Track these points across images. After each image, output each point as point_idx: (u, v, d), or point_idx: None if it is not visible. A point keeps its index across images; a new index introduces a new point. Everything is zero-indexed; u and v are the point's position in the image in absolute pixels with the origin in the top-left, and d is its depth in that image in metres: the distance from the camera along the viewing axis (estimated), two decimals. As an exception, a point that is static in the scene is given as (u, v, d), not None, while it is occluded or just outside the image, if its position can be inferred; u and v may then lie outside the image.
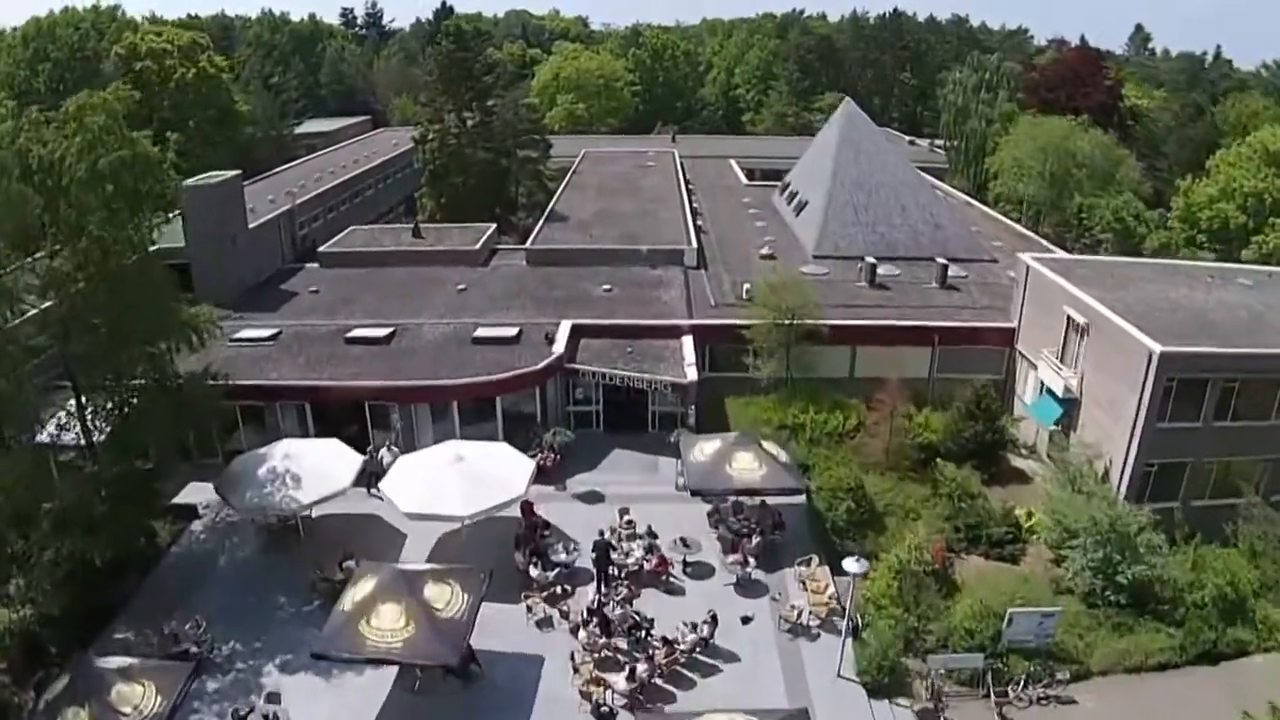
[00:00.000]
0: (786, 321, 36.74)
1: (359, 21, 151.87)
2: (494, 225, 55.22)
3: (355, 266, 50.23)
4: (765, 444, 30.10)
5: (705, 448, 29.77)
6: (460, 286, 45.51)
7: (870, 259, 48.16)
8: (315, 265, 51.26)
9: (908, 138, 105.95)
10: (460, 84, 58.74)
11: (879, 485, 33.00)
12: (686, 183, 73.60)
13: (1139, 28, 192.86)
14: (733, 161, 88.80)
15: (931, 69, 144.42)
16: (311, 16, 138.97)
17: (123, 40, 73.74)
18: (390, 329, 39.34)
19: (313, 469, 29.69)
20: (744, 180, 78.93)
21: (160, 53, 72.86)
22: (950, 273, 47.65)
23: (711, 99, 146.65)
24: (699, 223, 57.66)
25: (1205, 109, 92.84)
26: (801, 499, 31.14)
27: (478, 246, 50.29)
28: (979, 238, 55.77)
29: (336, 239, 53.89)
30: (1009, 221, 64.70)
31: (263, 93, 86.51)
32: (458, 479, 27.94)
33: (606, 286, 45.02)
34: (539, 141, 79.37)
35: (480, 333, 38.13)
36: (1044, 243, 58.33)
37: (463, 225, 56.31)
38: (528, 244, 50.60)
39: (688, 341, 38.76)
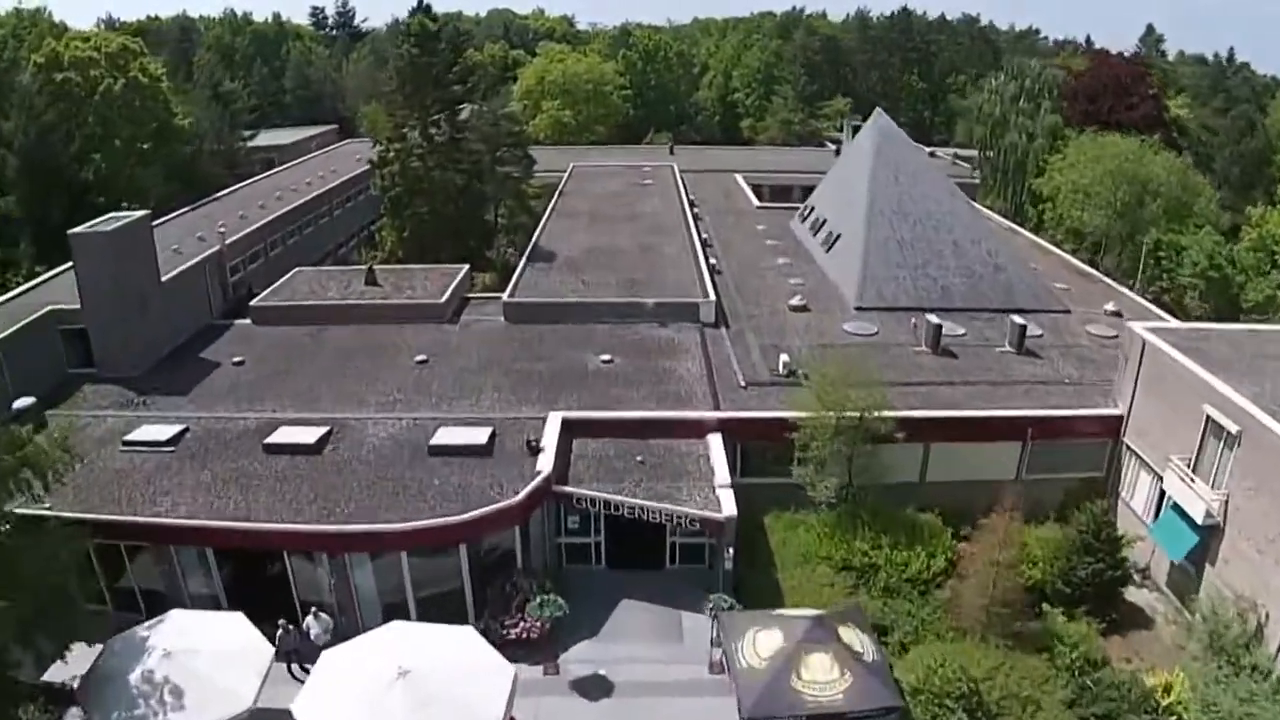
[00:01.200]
0: (853, 422, 27.55)
1: (329, 21, 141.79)
2: (465, 267, 45.91)
3: (294, 322, 40.95)
4: (844, 630, 20.95)
5: (760, 645, 20.67)
6: (420, 357, 36.18)
7: (931, 318, 39.03)
8: (248, 321, 41.88)
9: (927, 149, 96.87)
10: (425, 93, 49.32)
11: (984, 663, 23.90)
12: (691, 204, 64.50)
13: (1150, 28, 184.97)
14: (739, 177, 79.81)
15: (941, 71, 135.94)
16: (276, 16, 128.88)
17: (43, 48, 63.99)
18: (324, 429, 30.05)
19: (205, 675, 20.62)
20: (754, 200, 69.87)
21: (85, 61, 63.16)
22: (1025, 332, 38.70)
23: (707, 104, 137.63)
24: (712, 260, 48.43)
25: (1256, 122, 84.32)
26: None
27: (444, 298, 40.99)
28: (1044, 280, 46.79)
29: (276, 286, 44.49)
30: (1063, 254, 55.89)
31: (209, 102, 76.66)
32: (404, 708, 18.73)
33: (605, 357, 35.81)
34: (521, 157, 70.05)
35: (441, 438, 28.86)
36: (1111, 283, 49.73)
37: (428, 267, 47.00)
38: (506, 294, 41.22)
39: (715, 443, 29.64)
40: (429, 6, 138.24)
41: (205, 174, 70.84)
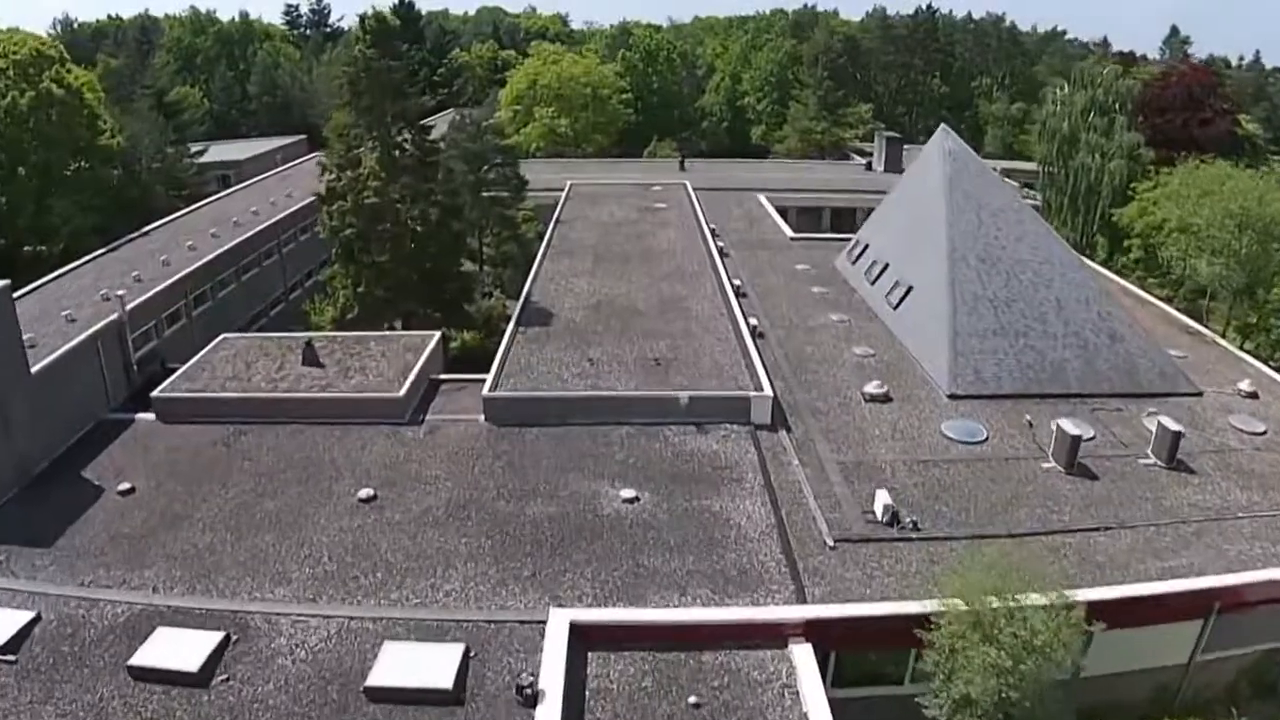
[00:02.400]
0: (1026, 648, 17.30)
1: (304, 20, 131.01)
2: (436, 336, 35.42)
3: (208, 419, 30.67)
4: None
5: None
6: (365, 492, 25.73)
7: (1065, 424, 28.82)
8: (152, 416, 31.52)
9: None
10: (383, 105, 38.84)
11: None
12: (713, 234, 54.26)
13: (1174, 30, 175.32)
14: (761, 198, 69.65)
15: (966, 75, 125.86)
16: (243, 15, 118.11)
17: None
18: (217, 636, 19.75)
19: None
20: (786, 229, 59.45)
21: (-13, 68, 52.75)
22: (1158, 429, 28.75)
23: (714, 109, 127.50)
24: (752, 320, 38.08)
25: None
26: None
27: (403, 390, 30.57)
28: (1165, 350, 36.63)
29: (189, 367, 34.05)
30: (1158, 302, 45.92)
31: (151, 114, 66.08)
32: None
33: (628, 493, 25.41)
34: (511, 177, 59.65)
35: (385, 671, 18.53)
36: (1225, 344, 40.02)
37: (387, 335, 36.53)
38: (488, 386, 30.69)
39: (802, 658, 19.31)
40: (411, 3, 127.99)
41: (142, 199, 60.44)
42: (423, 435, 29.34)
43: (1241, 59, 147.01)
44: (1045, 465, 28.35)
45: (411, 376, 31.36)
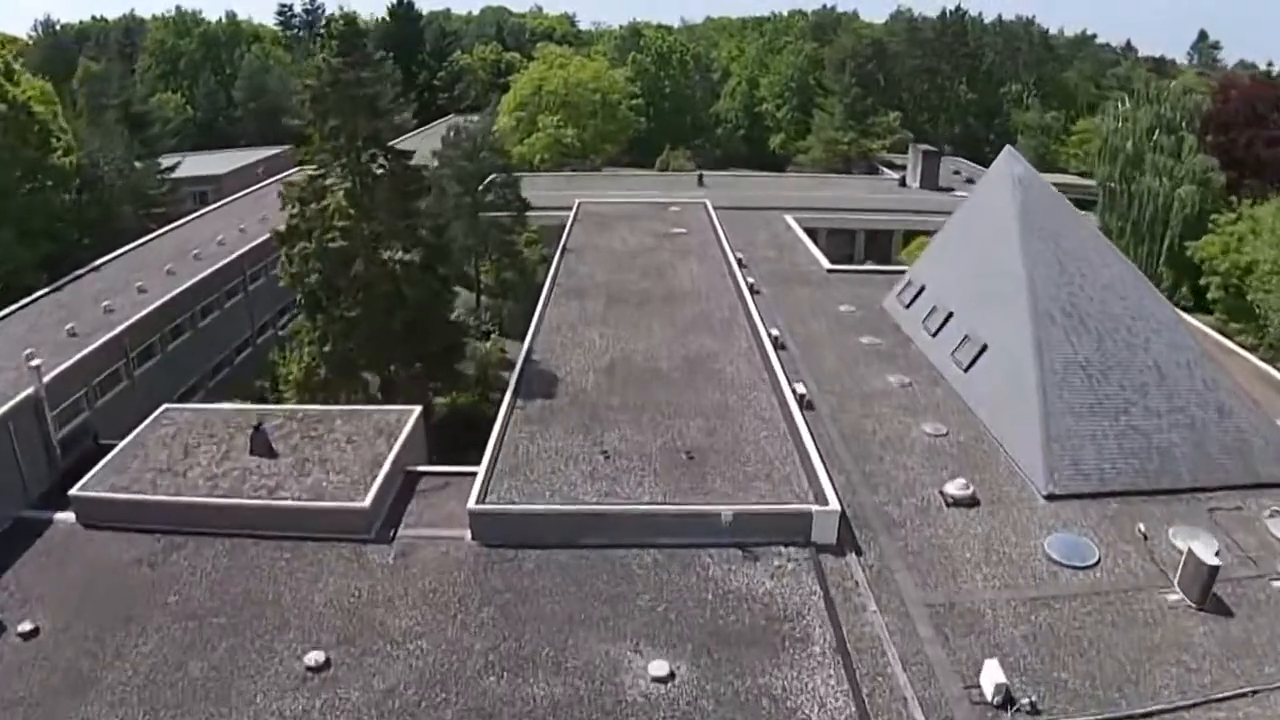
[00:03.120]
0: None
1: (297, 20, 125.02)
2: (415, 414, 29.33)
3: (134, 525, 24.83)
4: None
5: None
6: (313, 659, 19.73)
7: (1203, 554, 22.76)
8: (72, 517, 25.73)
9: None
10: (353, 124, 32.76)
11: None
12: (740, 264, 48.34)
13: (1203, 34, 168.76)
14: (789, 219, 63.67)
15: (994, 80, 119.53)
16: (230, 15, 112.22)
17: None
18: None
19: None
20: (821, 259, 53.36)
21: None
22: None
23: (729, 115, 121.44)
24: (798, 387, 31.95)
25: None
26: None
27: (368, 500, 24.48)
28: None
29: (126, 447, 28.25)
30: (1242, 351, 39.82)
31: (113, 126, 60.24)
32: None
33: (660, 669, 19.29)
34: (513, 199, 53.85)
35: None
36: None
37: (355, 411, 30.42)
38: (473, 498, 24.44)
39: None
40: (410, 3, 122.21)
41: (106, 221, 54.65)
42: (392, 560, 23.28)
43: (1270, 64, 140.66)
44: (1171, 597, 22.36)
45: (381, 475, 25.30)
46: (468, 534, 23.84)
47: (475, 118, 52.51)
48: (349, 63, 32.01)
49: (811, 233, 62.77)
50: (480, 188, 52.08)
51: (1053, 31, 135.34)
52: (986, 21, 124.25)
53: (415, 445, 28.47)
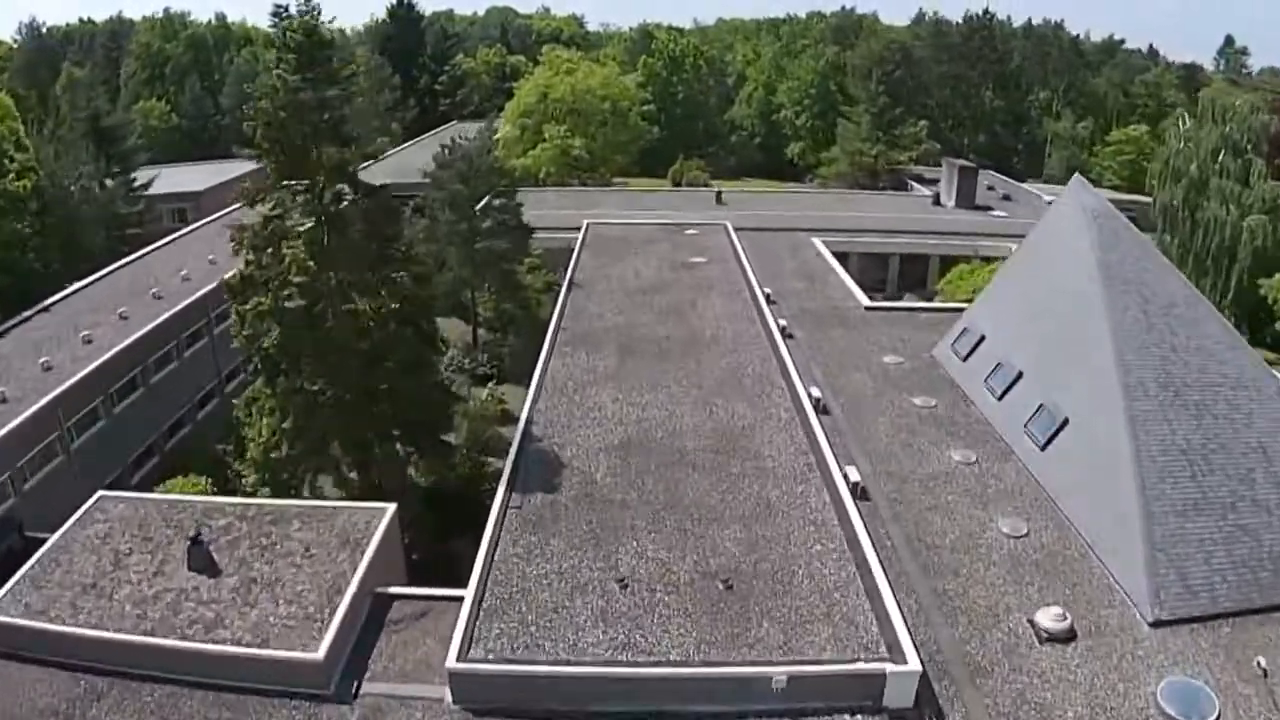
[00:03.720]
0: None
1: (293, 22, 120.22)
2: (388, 514, 24.20)
3: (51, 659, 20.15)
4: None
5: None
6: None
7: None
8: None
9: (1048, 197, 75.34)
10: (314, 152, 27.60)
11: None
12: (767, 298, 43.38)
13: (1229, 39, 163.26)
14: (817, 242, 58.64)
15: (1022, 87, 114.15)
16: (219, 17, 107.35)
17: None
18: None
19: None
20: (858, 294, 48.21)
21: None
22: None
23: (745, 122, 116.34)
24: (852, 474, 26.74)
25: None
26: None
27: (322, 650, 19.35)
28: None
29: (48, 551, 23.38)
30: None
31: (78, 141, 55.38)
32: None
33: None
34: (514, 226, 48.87)
35: None
36: None
37: (316, 509, 25.29)
38: (456, 651, 19.12)
39: None
40: (411, 4, 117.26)
41: (68, 247, 49.89)
42: (350, 735, 18.17)
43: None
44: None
45: (341, 611, 20.22)
46: (448, 693, 18.75)
47: (472, 134, 47.29)
48: (310, 79, 26.90)
49: (842, 257, 57.81)
50: (476, 212, 47.06)
51: (1077, 35, 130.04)
52: (1011, 25, 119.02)
53: (388, 554, 23.38)
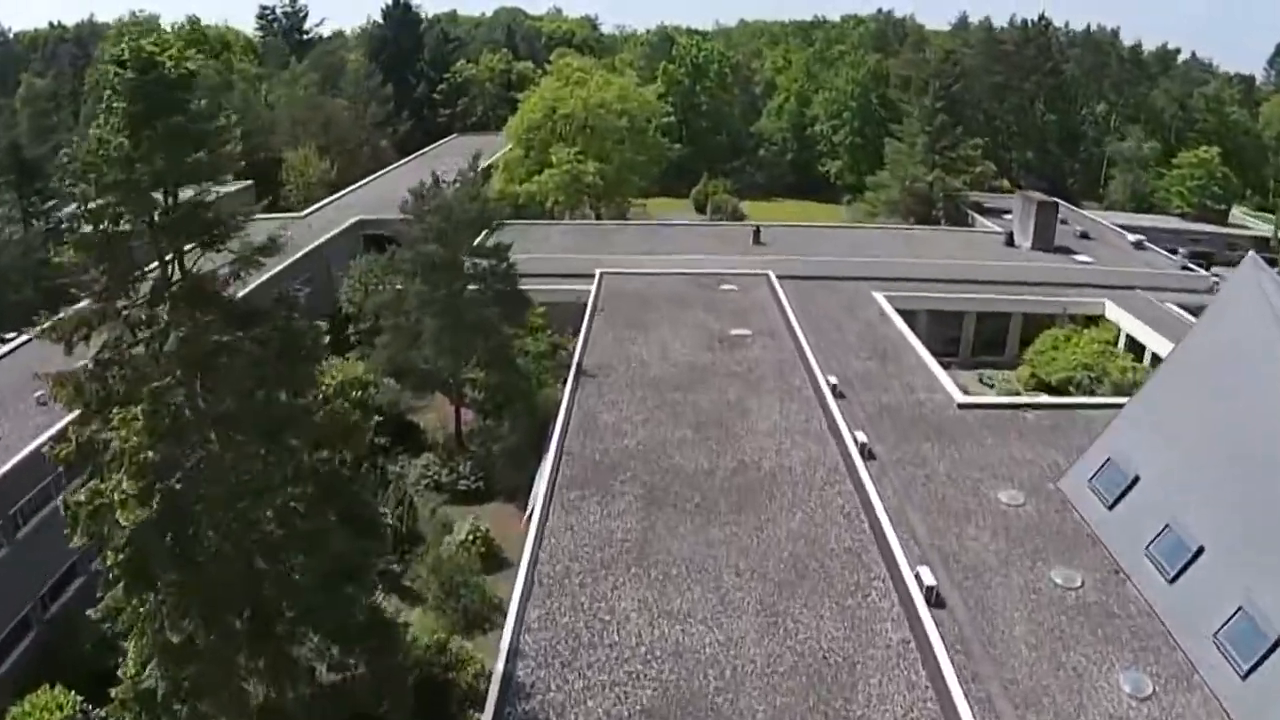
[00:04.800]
0: None
1: (278, 25, 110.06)
2: None
3: None
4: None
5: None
6: None
7: None
8: None
9: (1132, 235, 64.97)
10: (166, 233, 17.17)
11: None
12: (834, 390, 33.26)
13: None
14: (880, 298, 48.71)
15: (1077, 101, 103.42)
16: (191, 21, 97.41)
17: None
18: None
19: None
20: (944, 381, 37.95)
21: None
22: None
23: (775, 136, 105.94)
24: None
25: None
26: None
27: None
28: None
29: None
30: None
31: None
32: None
33: None
34: (506, 291, 38.66)
35: None
36: None
37: None
38: None
39: None
40: (407, 5, 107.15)
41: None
42: None
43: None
44: None
45: None
46: None
47: (454, 171, 36.72)
48: (154, 105, 16.65)
49: (909, 315, 47.95)
50: (458, 280, 36.88)
51: (1137, 44, 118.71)
52: (1068, 32, 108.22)
53: None
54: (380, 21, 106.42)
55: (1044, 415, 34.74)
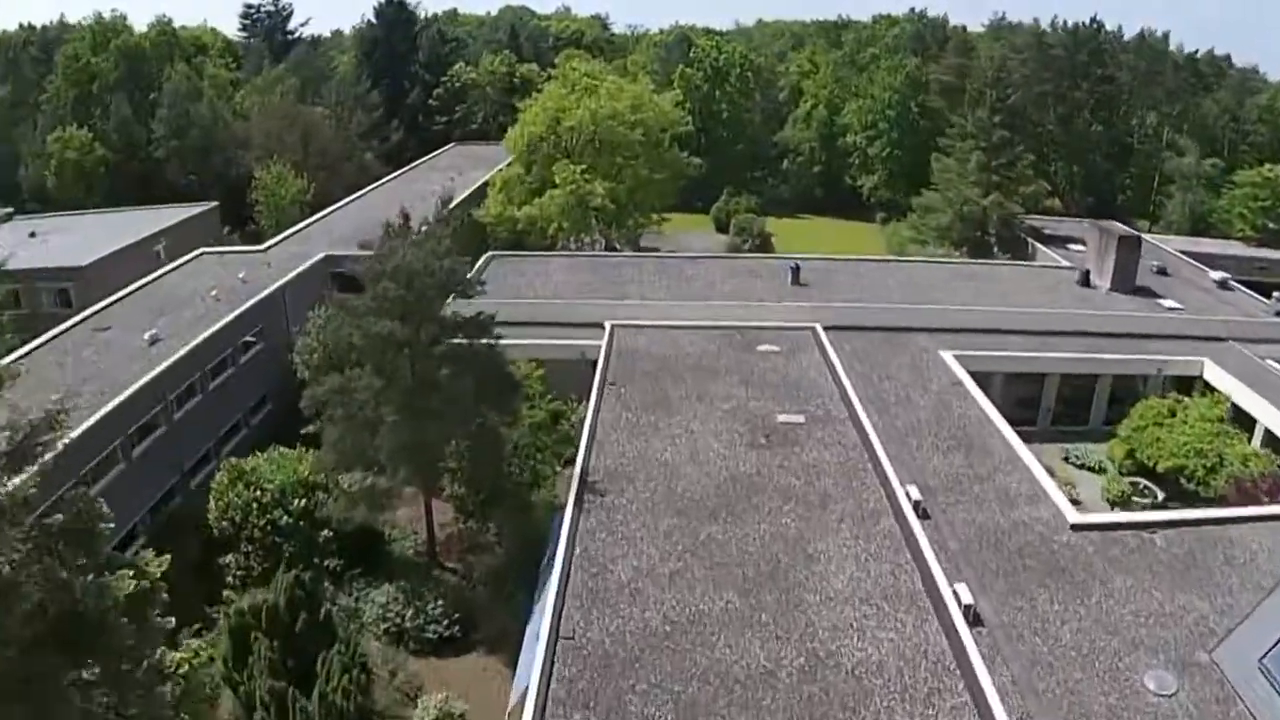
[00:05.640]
0: None
1: (263, 24, 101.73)
2: None
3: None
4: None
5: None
6: None
7: None
8: None
9: (1214, 272, 56.21)
10: None
11: None
12: (917, 506, 25.05)
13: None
14: (950, 360, 40.82)
15: (1127, 111, 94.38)
16: (162, 21, 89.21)
17: None
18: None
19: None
20: (1049, 488, 29.49)
21: None
22: None
23: (801, 146, 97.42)
24: None
25: None
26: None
27: None
28: None
29: None
30: None
31: None
32: None
33: None
34: (495, 376, 30.20)
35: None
36: None
37: None
38: None
39: None
40: (402, 2, 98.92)
41: None
42: None
43: None
44: None
45: None
46: None
47: (411, 241, 27.96)
48: None
49: (983, 378, 39.81)
50: (434, 357, 28.45)
51: (1195, 51, 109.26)
52: (1121, 36, 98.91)
53: None
54: (373, 21, 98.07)
55: (1175, 537, 26.57)
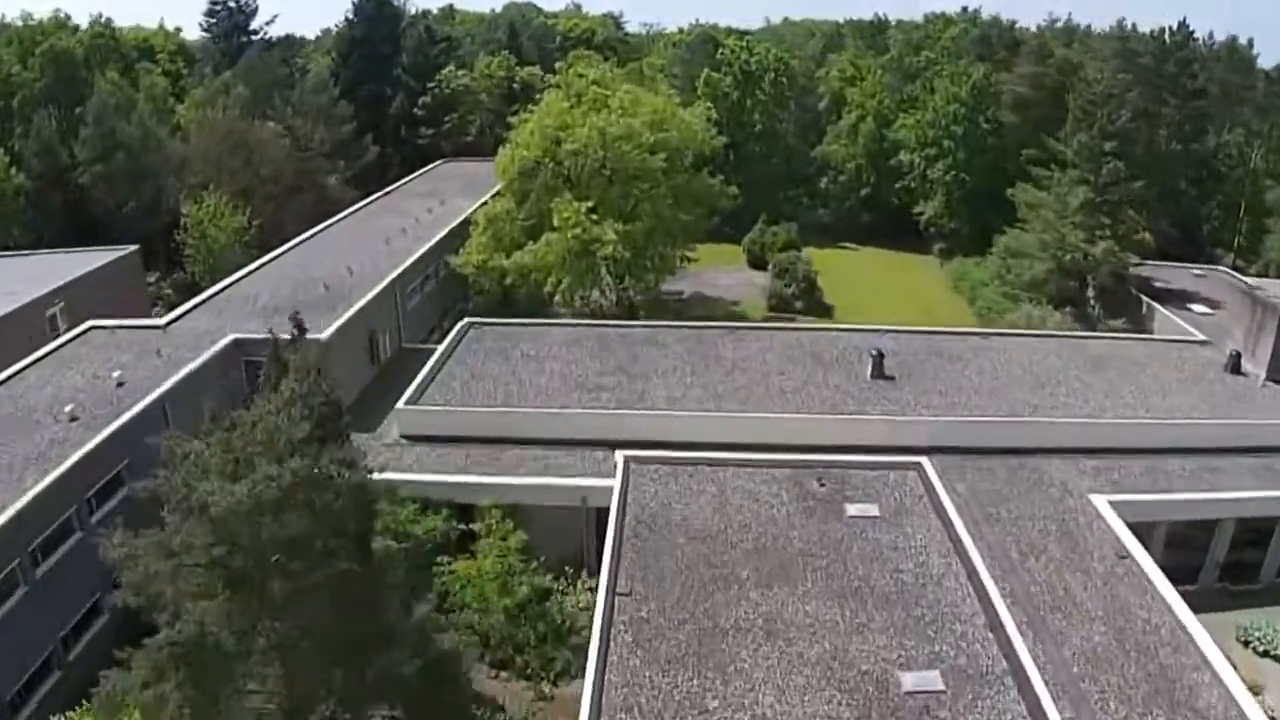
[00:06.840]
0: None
1: (226, 22, 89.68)
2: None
3: None
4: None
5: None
6: None
7: None
8: None
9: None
10: None
11: None
12: None
13: None
14: (1105, 510, 29.56)
15: (1208, 129, 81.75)
16: (107, 23, 77.45)
17: None
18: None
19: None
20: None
21: None
22: None
23: (844, 164, 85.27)
24: None
25: None
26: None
27: None
28: None
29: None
30: None
31: None
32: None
33: None
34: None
35: None
36: None
37: None
38: None
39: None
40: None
41: None
42: None
43: None
44: None
45: None
46: None
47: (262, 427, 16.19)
48: None
49: (1141, 531, 28.22)
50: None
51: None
52: (1212, 45, 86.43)
53: None
54: (351, 19, 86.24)
55: None
